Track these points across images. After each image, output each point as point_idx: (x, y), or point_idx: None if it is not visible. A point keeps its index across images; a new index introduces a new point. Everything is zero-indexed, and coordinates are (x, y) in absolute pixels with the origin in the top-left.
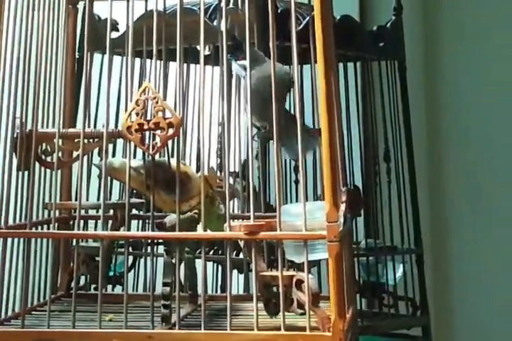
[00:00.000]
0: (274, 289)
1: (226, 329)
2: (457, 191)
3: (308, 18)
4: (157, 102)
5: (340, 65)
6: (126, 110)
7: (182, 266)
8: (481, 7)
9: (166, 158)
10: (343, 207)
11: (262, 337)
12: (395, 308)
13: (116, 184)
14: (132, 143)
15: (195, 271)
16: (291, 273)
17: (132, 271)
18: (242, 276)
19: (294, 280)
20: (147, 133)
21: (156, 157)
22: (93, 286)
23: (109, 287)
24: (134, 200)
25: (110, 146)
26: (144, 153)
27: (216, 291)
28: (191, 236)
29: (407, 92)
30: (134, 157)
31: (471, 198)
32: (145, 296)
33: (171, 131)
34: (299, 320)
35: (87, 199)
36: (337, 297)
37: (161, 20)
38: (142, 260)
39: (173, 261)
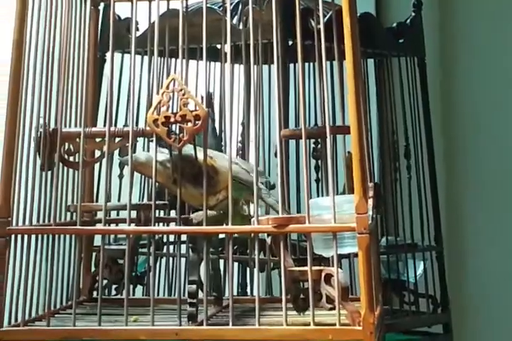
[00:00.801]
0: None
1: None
2: (473, 187)
3: (328, 16)
4: (183, 94)
5: (361, 61)
6: (151, 104)
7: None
8: (501, 1)
9: (193, 151)
10: (370, 201)
11: (292, 332)
12: (416, 306)
13: (137, 183)
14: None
15: (219, 272)
16: (319, 267)
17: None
18: (262, 276)
19: (323, 274)
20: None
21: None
22: (114, 286)
23: (131, 287)
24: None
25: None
26: (170, 147)
27: (238, 290)
28: (218, 230)
29: (427, 88)
30: (160, 151)
31: (488, 195)
32: (168, 300)
33: (197, 124)
34: (327, 318)
35: (109, 200)
36: (367, 291)
37: (183, 20)
38: (163, 260)
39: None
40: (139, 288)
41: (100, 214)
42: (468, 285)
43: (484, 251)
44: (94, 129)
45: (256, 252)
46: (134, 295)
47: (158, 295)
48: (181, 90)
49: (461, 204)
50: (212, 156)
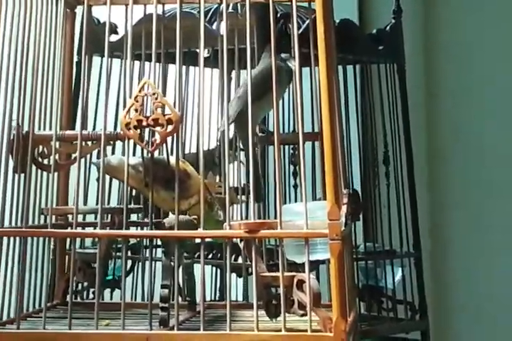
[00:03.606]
0: (274, 290)
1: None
2: (457, 194)
3: (307, 22)
4: (156, 98)
5: (340, 67)
6: (124, 107)
7: (180, 270)
8: (482, 9)
9: (165, 155)
10: (344, 208)
11: (263, 338)
12: (394, 312)
13: (115, 188)
14: (131, 141)
15: (193, 277)
16: (292, 273)
17: (130, 275)
18: (240, 281)
19: (295, 280)
20: (146, 130)
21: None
22: (92, 290)
23: (107, 290)
24: (131, 206)
25: (109, 148)
26: (142, 151)
27: (215, 295)
28: (190, 234)
29: (406, 95)
30: (134, 155)
31: (471, 202)
32: (142, 304)
33: (170, 128)
34: (299, 324)
35: (85, 204)
36: (339, 297)
37: (160, 24)
38: (141, 264)
39: (172, 263)
40: (117, 292)
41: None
42: (448, 292)
43: (466, 258)
44: (67, 132)
45: (228, 257)
46: (111, 299)
47: (135, 299)
48: (154, 94)
49: (444, 210)
50: (184, 161)
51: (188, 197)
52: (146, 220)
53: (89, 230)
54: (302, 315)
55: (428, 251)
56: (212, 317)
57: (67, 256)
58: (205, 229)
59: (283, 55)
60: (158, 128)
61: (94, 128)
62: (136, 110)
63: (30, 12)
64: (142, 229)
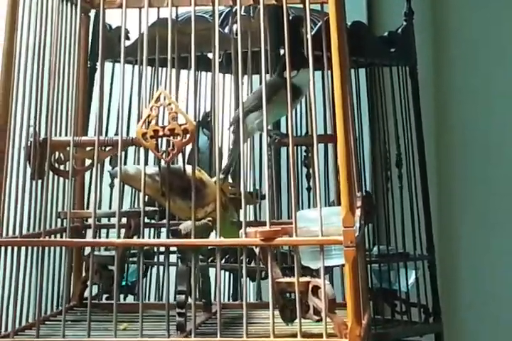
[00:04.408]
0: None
1: (242, 337)
2: (467, 197)
3: (319, 25)
4: (172, 108)
5: (352, 70)
6: (140, 117)
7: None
8: (492, 10)
9: (181, 164)
10: (358, 212)
11: None
12: (408, 315)
13: (128, 192)
14: (145, 150)
15: (208, 280)
16: (307, 279)
17: (144, 280)
18: (253, 285)
19: (310, 286)
20: (161, 140)
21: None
22: (105, 296)
23: (121, 296)
24: (147, 208)
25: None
26: (158, 160)
27: (229, 298)
28: (206, 243)
29: (418, 97)
30: (147, 164)
31: (481, 205)
32: (159, 305)
33: (186, 138)
34: (315, 328)
35: (100, 208)
36: (354, 303)
37: (173, 28)
38: (154, 269)
39: (188, 268)
40: (131, 298)
41: (91, 220)
42: (461, 295)
43: (478, 261)
44: (84, 138)
45: (244, 265)
46: None
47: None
48: (170, 104)
49: (455, 213)
50: (200, 169)
51: (204, 205)
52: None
53: (106, 239)
54: (317, 321)
55: (437, 252)
56: (227, 318)
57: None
58: (220, 231)
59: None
60: (174, 138)
61: (106, 134)
62: (152, 120)
63: (46, 18)
64: (158, 231)
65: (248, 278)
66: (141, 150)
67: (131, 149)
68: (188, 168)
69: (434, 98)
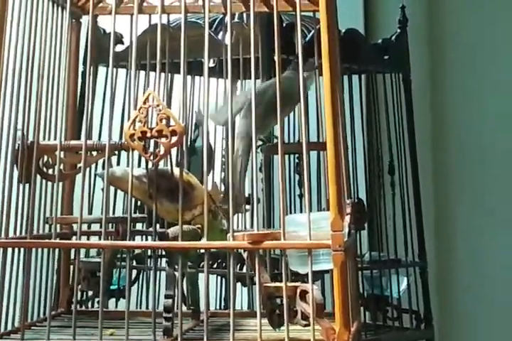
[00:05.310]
0: (278, 301)
1: None
2: (462, 203)
3: (313, 32)
4: (160, 110)
5: (345, 77)
6: (129, 118)
7: (184, 280)
8: (487, 17)
9: (169, 166)
10: (347, 218)
11: None
12: (399, 321)
13: (120, 198)
14: (135, 152)
15: (197, 286)
16: (295, 284)
17: (136, 284)
18: (245, 290)
19: (298, 291)
20: (151, 142)
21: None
22: (97, 300)
23: (113, 300)
24: (135, 215)
25: (113, 159)
26: (146, 162)
27: (220, 304)
28: (194, 245)
29: (411, 105)
30: (139, 166)
31: (476, 211)
32: (147, 313)
33: (174, 139)
34: (303, 333)
35: (91, 213)
36: (342, 308)
37: (165, 34)
38: (145, 273)
39: (176, 273)
40: (122, 301)
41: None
42: (453, 301)
43: (472, 267)
44: (72, 142)
45: (231, 268)
46: (116, 308)
47: (140, 308)
48: (158, 105)
49: (450, 219)
50: (188, 172)
51: (191, 208)
52: (150, 229)
53: (93, 241)
54: (305, 326)
55: (432, 259)
56: (215, 325)
57: (71, 265)
58: (209, 239)
59: (305, 74)
60: (162, 140)
61: (99, 138)
62: (140, 121)
63: (36, 22)
64: (146, 238)
65: (240, 283)
66: (131, 153)
67: (124, 153)
68: (176, 170)
69: (429, 104)
